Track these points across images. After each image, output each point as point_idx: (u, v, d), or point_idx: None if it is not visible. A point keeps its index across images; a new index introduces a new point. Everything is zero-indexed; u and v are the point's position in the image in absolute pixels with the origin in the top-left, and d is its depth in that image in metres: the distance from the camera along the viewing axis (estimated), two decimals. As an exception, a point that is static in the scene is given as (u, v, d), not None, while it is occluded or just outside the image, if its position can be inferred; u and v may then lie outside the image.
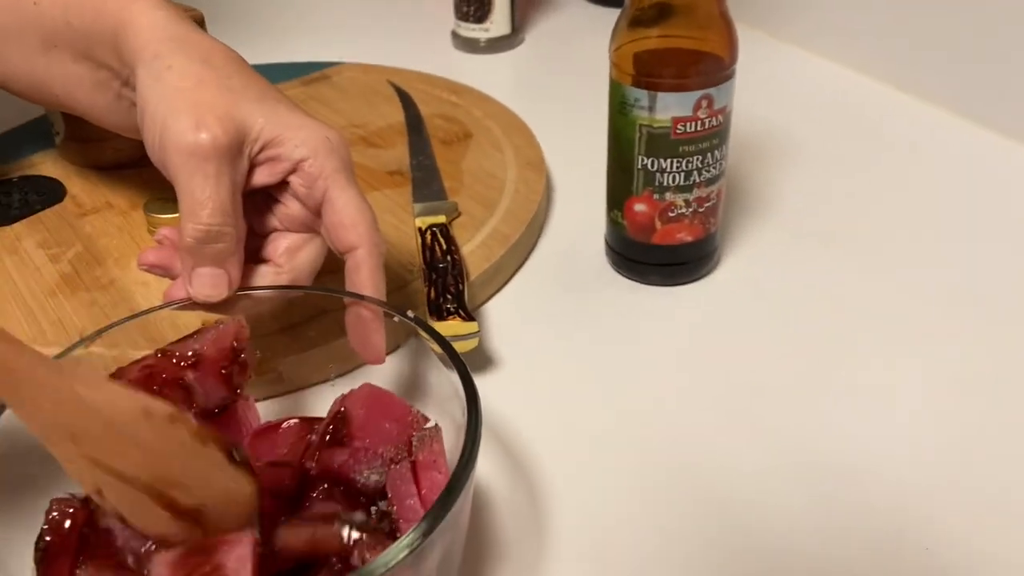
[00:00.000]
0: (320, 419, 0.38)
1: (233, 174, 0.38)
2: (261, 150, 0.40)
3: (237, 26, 0.97)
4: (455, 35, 0.91)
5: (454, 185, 0.62)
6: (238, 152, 0.39)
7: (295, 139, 0.40)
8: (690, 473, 0.43)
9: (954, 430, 0.45)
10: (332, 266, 0.44)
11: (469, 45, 0.90)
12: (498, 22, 0.88)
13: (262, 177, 0.40)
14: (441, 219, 0.56)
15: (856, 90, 0.78)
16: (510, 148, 0.66)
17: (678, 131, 0.49)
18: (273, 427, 0.38)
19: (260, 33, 0.96)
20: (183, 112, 0.38)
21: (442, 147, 0.67)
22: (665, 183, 0.51)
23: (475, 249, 0.55)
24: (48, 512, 0.32)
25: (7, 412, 0.33)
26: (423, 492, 0.34)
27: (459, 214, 0.59)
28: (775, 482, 0.42)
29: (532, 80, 0.86)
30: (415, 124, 0.69)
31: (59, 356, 0.37)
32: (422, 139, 0.67)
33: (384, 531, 0.33)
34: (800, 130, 0.72)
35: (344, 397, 0.37)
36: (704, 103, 0.48)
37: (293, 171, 0.40)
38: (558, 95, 0.80)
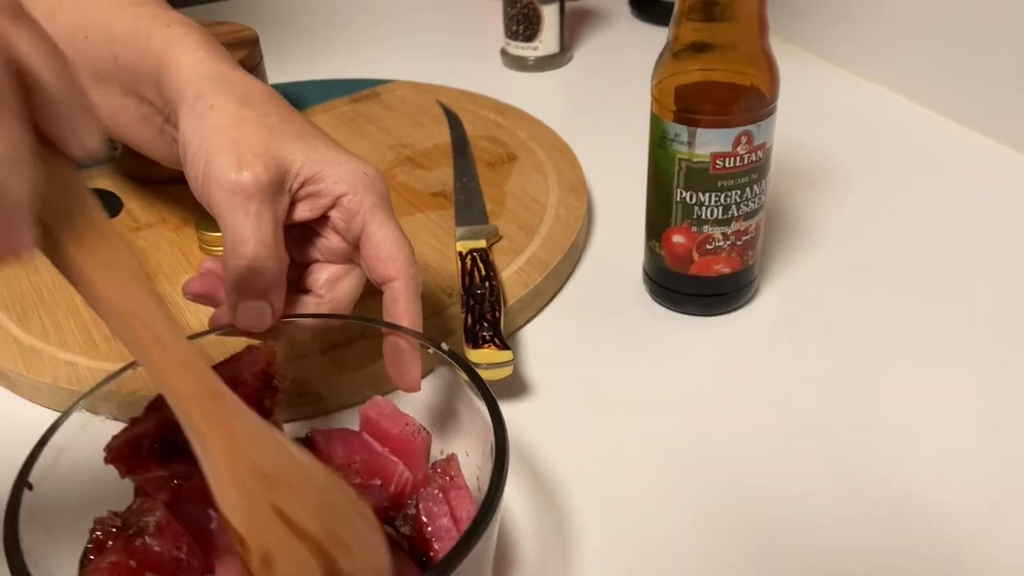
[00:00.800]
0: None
1: (275, 210, 0.40)
2: (301, 186, 0.41)
3: (292, 43, 0.99)
4: (504, 53, 0.92)
5: (496, 208, 0.63)
6: (279, 189, 0.40)
7: (334, 175, 0.41)
8: (723, 504, 0.43)
9: (1004, 457, 0.44)
10: (372, 287, 0.45)
11: (518, 63, 0.91)
12: (547, 41, 0.89)
13: (303, 212, 0.42)
14: (481, 243, 0.57)
15: (905, 116, 0.77)
16: (553, 172, 0.67)
17: (717, 166, 0.49)
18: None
19: (313, 50, 0.98)
20: (225, 150, 0.39)
21: (487, 169, 0.68)
22: (703, 216, 0.51)
23: (513, 275, 0.56)
24: (92, 532, 0.33)
25: (59, 431, 0.35)
26: (454, 511, 0.36)
27: (500, 238, 0.60)
28: (812, 513, 0.42)
29: (579, 99, 0.87)
30: (460, 146, 0.70)
31: (113, 376, 0.38)
32: (467, 161, 0.68)
33: (403, 547, 0.35)
34: (845, 157, 0.71)
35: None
36: (744, 139, 0.48)
37: (332, 206, 0.42)
38: (604, 115, 0.81)
